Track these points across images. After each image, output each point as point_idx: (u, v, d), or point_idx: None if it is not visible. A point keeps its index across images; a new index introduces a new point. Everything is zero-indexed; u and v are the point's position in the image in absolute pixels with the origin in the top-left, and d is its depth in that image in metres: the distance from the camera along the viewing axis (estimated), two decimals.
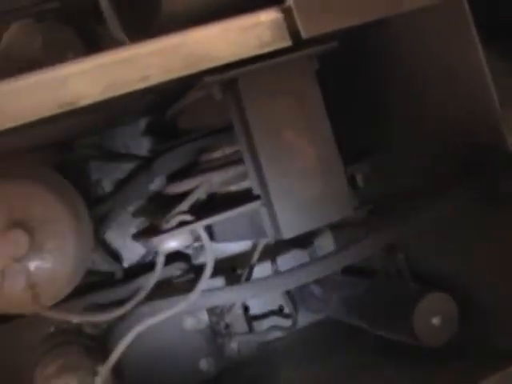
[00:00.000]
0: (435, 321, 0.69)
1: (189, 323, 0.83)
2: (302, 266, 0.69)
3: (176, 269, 0.83)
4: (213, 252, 0.66)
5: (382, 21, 0.59)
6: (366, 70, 0.77)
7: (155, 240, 0.66)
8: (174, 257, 0.81)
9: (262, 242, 0.87)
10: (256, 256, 0.87)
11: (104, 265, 0.83)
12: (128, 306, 0.65)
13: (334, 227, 0.92)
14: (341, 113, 0.68)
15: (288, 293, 0.91)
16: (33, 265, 0.63)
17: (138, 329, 0.63)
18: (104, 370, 0.63)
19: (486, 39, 0.63)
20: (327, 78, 0.66)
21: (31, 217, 0.63)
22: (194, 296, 0.65)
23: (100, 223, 0.84)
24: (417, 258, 0.78)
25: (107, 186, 0.88)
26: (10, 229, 0.61)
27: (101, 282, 0.82)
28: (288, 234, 0.63)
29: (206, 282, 0.65)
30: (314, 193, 0.64)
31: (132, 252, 0.87)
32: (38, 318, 0.75)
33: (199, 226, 0.65)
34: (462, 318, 0.70)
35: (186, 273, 0.84)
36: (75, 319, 0.70)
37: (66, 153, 0.84)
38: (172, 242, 0.67)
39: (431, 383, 0.68)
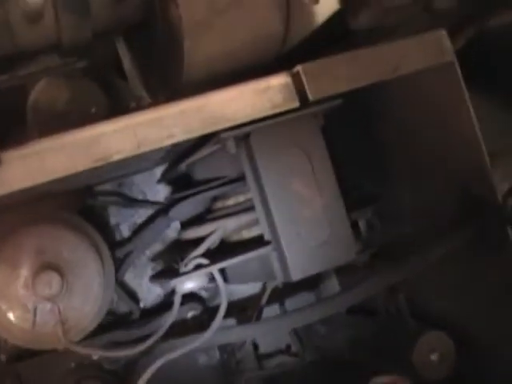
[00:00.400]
0: (433, 357, 0.73)
1: (201, 360, 0.88)
2: (307, 306, 0.74)
3: (189, 309, 0.88)
4: (226, 293, 0.71)
5: (381, 82, 0.65)
6: (368, 123, 0.82)
7: (174, 281, 0.71)
8: (187, 298, 0.86)
9: (271, 285, 0.91)
10: (265, 298, 0.90)
11: (122, 305, 0.88)
12: (149, 342, 0.69)
13: (339, 270, 0.95)
14: (349, 163, 0.72)
15: (295, 332, 0.95)
16: (63, 303, 0.68)
17: (160, 363, 0.67)
18: None
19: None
20: (334, 131, 0.71)
21: (61, 259, 0.69)
22: (209, 333, 0.70)
23: (119, 266, 0.88)
24: (417, 297, 0.82)
25: (125, 230, 0.92)
26: (43, 270, 0.66)
27: (118, 321, 0.87)
28: (296, 276, 0.69)
29: (220, 320, 0.70)
30: (321, 238, 0.69)
31: (148, 293, 0.91)
32: (60, 354, 0.80)
33: (214, 269, 0.70)
34: (460, 354, 0.74)
35: (198, 314, 0.89)
36: (104, 354, 0.74)
37: (87, 199, 0.89)
38: (189, 284, 0.72)
39: None
